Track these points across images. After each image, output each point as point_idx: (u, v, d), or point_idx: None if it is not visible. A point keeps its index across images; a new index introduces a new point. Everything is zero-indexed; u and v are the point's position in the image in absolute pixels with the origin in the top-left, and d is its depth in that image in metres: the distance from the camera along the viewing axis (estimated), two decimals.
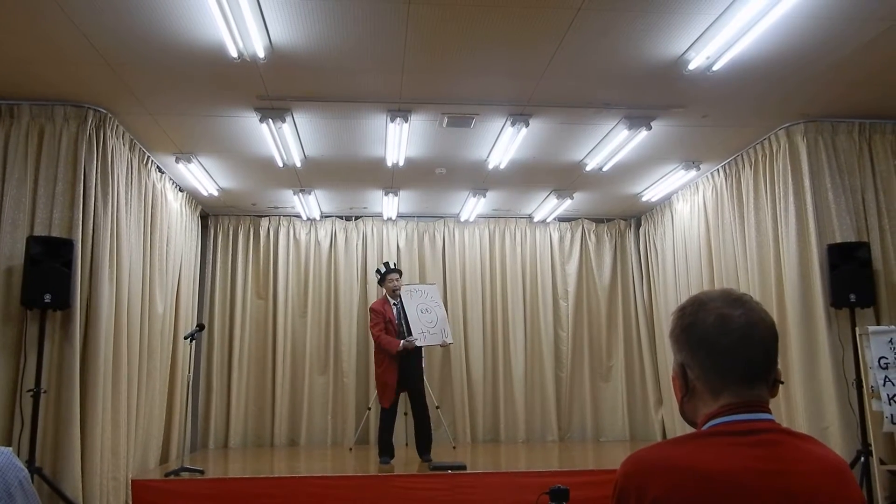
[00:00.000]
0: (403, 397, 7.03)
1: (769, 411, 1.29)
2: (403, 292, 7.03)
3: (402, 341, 6.63)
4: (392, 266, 7.12)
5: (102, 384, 5.17)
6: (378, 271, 7.15)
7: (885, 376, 4.89)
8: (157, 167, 6.68)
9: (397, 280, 6.93)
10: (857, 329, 5.16)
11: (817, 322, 5.53)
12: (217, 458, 7.64)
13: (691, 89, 5.25)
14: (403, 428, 7.75)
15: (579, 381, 8.99)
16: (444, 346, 7.34)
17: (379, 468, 6.52)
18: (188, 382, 7.04)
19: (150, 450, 6.47)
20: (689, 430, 1.37)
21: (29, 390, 4.82)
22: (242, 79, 5.00)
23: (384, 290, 7.10)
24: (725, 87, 5.19)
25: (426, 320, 7.01)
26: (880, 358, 4.92)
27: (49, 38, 4.42)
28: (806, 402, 5.52)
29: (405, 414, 7.30)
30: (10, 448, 1.03)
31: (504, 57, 4.76)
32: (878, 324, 5.37)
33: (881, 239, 5.63)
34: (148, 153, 6.38)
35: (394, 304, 6.94)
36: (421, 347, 6.92)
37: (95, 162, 5.36)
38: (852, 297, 5.33)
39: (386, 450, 6.72)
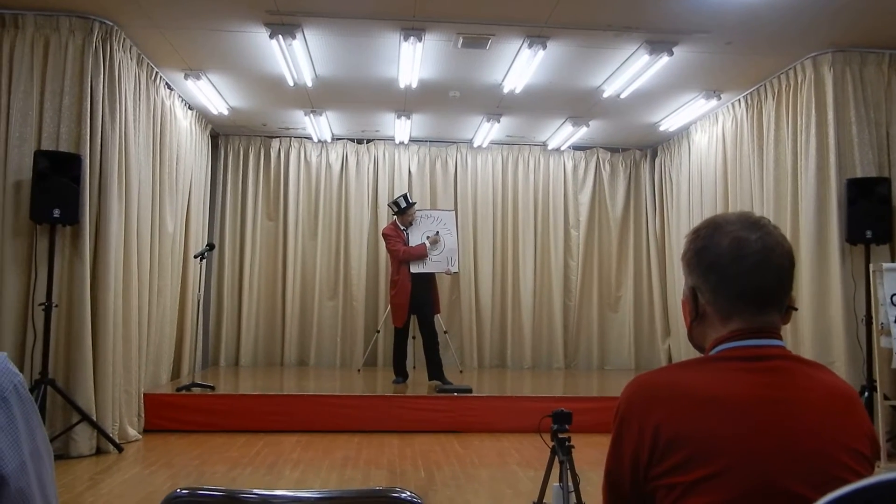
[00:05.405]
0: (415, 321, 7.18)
1: (780, 338, 1.25)
2: (415, 218, 7.21)
3: (425, 240, 6.99)
4: (410, 200, 7.27)
5: (113, 300, 5.21)
6: (397, 204, 7.21)
7: None
8: (166, 83, 6.56)
9: (415, 213, 7.23)
10: (871, 266, 5.10)
11: (831, 257, 5.46)
12: (228, 376, 7.79)
13: (717, 13, 5.03)
14: (412, 351, 7.84)
15: (587, 310, 9.03)
16: (448, 274, 7.48)
17: (393, 388, 6.68)
18: (199, 301, 7.10)
19: (161, 366, 6.59)
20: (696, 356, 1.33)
21: (41, 304, 4.87)
22: None
23: (395, 218, 7.17)
24: (753, 11, 4.97)
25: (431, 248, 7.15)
26: (893, 295, 4.87)
27: None
28: (813, 335, 5.51)
29: (413, 338, 7.41)
30: (5, 353, 1.01)
31: None
32: (893, 261, 5.30)
33: None
34: (156, 68, 6.25)
35: (403, 229, 7.15)
36: (433, 275, 7.10)
37: (102, 76, 5.25)
38: (868, 234, 5.25)
39: (398, 370, 7.14)
